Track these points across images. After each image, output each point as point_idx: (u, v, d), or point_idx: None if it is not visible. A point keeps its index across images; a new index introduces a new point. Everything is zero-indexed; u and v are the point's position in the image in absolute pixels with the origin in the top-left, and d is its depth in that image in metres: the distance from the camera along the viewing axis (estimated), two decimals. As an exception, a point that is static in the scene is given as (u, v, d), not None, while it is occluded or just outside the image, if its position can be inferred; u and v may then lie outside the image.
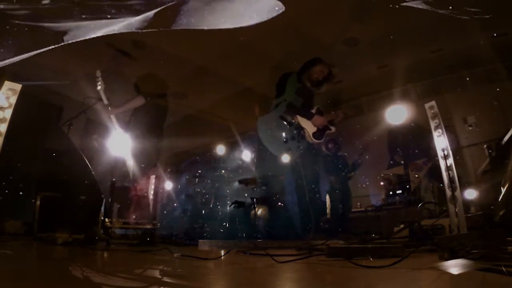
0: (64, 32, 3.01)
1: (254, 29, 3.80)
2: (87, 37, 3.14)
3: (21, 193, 3.06)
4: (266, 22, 3.68)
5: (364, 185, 5.65)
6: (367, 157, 5.24)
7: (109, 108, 3.08)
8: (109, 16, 2.87)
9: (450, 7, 2.81)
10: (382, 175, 5.24)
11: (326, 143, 5.09)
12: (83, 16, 2.85)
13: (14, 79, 2.26)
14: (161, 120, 3.46)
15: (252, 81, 5.02)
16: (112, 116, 3.08)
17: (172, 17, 3.18)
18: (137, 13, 2.93)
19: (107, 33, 3.22)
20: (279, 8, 3.21)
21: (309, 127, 3.09)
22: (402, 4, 2.82)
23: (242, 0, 3.11)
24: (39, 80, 4.22)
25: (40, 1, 2.44)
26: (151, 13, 2.96)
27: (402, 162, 5.00)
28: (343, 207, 5.04)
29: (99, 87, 3.08)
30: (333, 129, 3.20)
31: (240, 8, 3.23)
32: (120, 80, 3.70)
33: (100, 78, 3.09)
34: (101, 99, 3.13)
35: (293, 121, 2.99)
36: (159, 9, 2.92)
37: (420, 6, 2.79)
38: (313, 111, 3.13)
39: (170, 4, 2.95)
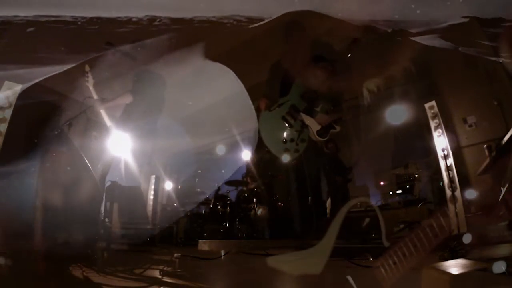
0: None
1: (254, 29, 3.79)
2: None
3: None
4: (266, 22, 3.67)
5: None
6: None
7: (99, 102, 3.04)
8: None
9: (467, 43, 2.64)
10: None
11: (326, 143, 5.08)
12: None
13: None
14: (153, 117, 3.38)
15: (253, 80, 5.01)
16: (103, 112, 3.04)
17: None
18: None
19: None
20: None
21: (313, 125, 3.12)
22: (412, 38, 2.69)
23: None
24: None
25: (24, 29, 2.37)
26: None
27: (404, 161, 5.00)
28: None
29: (87, 82, 3.04)
30: (337, 128, 3.21)
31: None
32: (112, 75, 3.64)
33: (88, 73, 3.04)
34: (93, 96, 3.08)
35: (295, 121, 3.01)
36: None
37: (433, 43, 2.68)
38: (318, 109, 3.15)
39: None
